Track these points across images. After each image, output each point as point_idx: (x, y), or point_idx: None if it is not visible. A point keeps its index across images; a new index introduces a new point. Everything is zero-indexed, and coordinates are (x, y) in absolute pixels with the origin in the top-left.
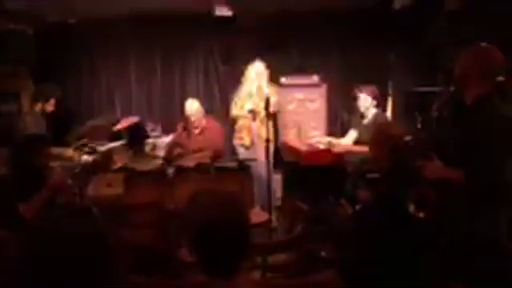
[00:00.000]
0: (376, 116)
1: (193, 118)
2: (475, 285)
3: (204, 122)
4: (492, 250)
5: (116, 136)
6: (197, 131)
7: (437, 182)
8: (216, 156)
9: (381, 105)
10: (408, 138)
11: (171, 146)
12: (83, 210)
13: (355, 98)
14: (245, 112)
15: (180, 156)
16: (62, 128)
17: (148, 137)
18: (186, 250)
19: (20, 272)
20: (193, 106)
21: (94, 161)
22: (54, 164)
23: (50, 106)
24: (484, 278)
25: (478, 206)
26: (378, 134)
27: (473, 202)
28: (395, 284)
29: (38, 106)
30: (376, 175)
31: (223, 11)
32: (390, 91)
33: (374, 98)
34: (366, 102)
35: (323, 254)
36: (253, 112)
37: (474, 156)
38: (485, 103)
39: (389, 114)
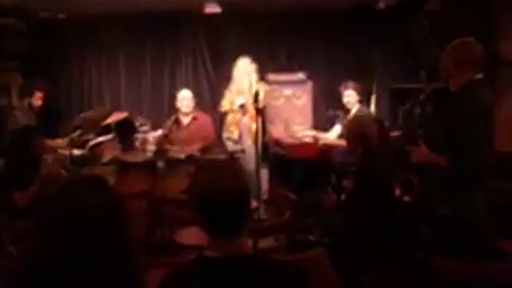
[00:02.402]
0: (359, 111)
1: (183, 104)
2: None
3: (194, 112)
4: (469, 228)
5: (105, 130)
6: (187, 120)
7: (421, 166)
8: (206, 145)
9: (364, 101)
10: (396, 133)
11: (161, 140)
12: (100, 182)
13: (340, 94)
14: (235, 107)
15: (170, 149)
16: (51, 122)
17: (137, 131)
18: (179, 233)
19: (41, 244)
20: (185, 94)
21: (84, 154)
22: (45, 156)
23: (37, 100)
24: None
25: (458, 190)
26: (349, 127)
27: (453, 186)
28: (383, 265)
29: (26, 101)
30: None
31: (212, 8)
32: (374, 88)
33: (359, 93)
34: (351, 97)
35: (311, 237)
36: (243, 107)
37: (454, 139)
38: (467, 89)
39: (372, 109)
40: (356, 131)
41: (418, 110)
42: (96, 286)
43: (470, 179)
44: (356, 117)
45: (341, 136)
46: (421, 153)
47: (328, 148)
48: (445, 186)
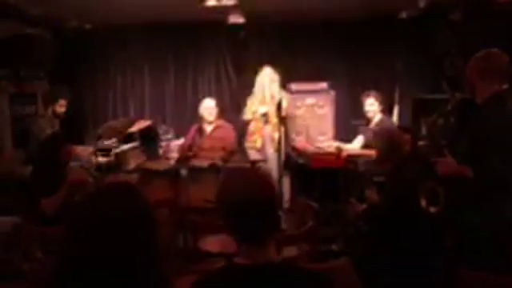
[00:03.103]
0: (382, 121)
1: (207, 112)
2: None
3: (217, 120)
4: (493, 240)
5: (130, 138)
6: (210, 129)
7: (448, 178)
8: (228, 154)
9: (387, 111)
10: (420, 143)
11: (184, 148)
12: (131, 189)
13: (363, 104)
14: (257, 116)
15: (193, 157)
16: (75, 130)
17: (160, 140)
18: (203, 240)
19: (72, 252)
20: (208, 103)
21: (109, 161)
22: (72, 163)
23: (60, 108)
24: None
25: (483, 202)
26: (379, 138)
27: (479, 198)
28: (406, 276)
29: (50, 109)
30: (382, 178)
31: (236, 19)
32: (397, 98)
33: (381, 102)
34: (373, 106)
35: (334, 247)
36: (266, 116)
37: (480, 151)
38: (493, 101)
39: (395, 119)
40: (386, 143)
41: (441, 121)
42: None
43: (495, 191)
44: (386, 128)
45: (364, 146)
46: (447, 164)
47: (351, 158)
48: (470, 198)
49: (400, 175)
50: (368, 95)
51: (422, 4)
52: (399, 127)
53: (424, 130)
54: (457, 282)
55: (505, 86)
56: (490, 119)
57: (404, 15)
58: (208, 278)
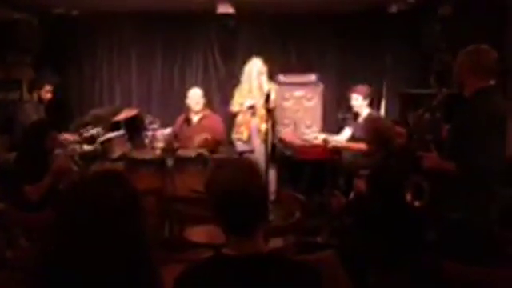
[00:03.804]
0: (369, 115)
1: (194, 102)
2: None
3: (204, 110)
4: (480, 235)
5: (115, 127)
6: (196, 118)
7: (432, 172)
8: (216, 143)
9: (374, 104)
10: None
11: (170, 137)
12: (120, 176)
13: (348, 98)
14: (244, 108)
15: (179, 147)
16: (61, 116)
17: (146, 129)
18: (189, 231)
19: (61, 237)
20: (196, 92)
21: (94, 149)
22: (56, 151)
23: (46, 94)
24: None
25: (468, 196)
26: (371, 129)
27: (464, 191)
28: (392, 266)
29: (35, 94)
30: (367, 172)
31: (225, 8)
32: (385, 92)
33: (365, 97)
34: (357, 101)
35: (319, 239)
36: (252, 108)
37: (465, 145)
38: (480, 96)
39: (382, 113)
40: (378, 134)
41: (427, 116)
42: (114, 281)
43: (480, 185)
44: (378, 119)
45: (351, 139)
46: (432, 159)
47: (337, 150)
48: (455, 192)
49: (388, 168)
50: (352, 90)
51: None
52: (395, 121)
53: (411, 124)
54: (441, 274)
55: (492, 82)
56: (477, 114)
57: (394, 9)
58: (195, 268)
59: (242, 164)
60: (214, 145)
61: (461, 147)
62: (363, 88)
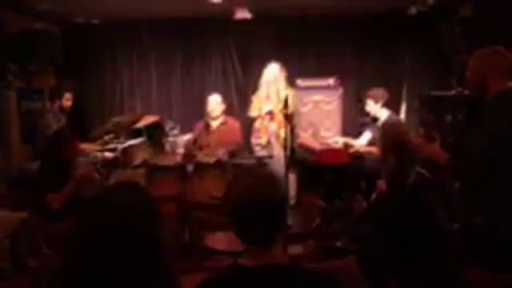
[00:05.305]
0: (389, 119)
1: (213, 108)
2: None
3: (223, 116)
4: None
5: (136, 133)
6: (216, 124)
7: (429, 161)
8: (234, 150)
9: (391, 107)
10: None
11: (190, 144)
12: (136, 186)
13: (364, 103)
14: (263, 113)
15: (198, 154)
16: (82, 125)
17: (167, 135)
18: (209, 238)
19: (81, 246)
20: (215, 99)
21: (116, 157)
22: (79, 159)
23: (66, 101)
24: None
25: (491, 199)
26: (384, 135)
27: (486, 195)
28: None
29: (56, 103)
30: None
31: (242, 14)
32: (405, 95)
33: (376, 101)
34: (369, 106)
35: (339, 244)
36: (271, 113)
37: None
38: (501, 98)
39: (402, 116)
40: (391, 140)
41: (449, 118)
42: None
43: (505, 190)
44: (392, 125)
45: (371, 143)
46: (432, 149)
47: (358, 155)
48: (478, 197)
49: (400, 172)
50: (366, 96)
51: (431, 0)
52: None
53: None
54: (462, 280)
55: (510, 84)
56: (499, 116)
57: (413, 11)
58: (213, 279)
59: (262, 175)
60: (233, 152)
61: (491, 153)
62: (374, 92)
